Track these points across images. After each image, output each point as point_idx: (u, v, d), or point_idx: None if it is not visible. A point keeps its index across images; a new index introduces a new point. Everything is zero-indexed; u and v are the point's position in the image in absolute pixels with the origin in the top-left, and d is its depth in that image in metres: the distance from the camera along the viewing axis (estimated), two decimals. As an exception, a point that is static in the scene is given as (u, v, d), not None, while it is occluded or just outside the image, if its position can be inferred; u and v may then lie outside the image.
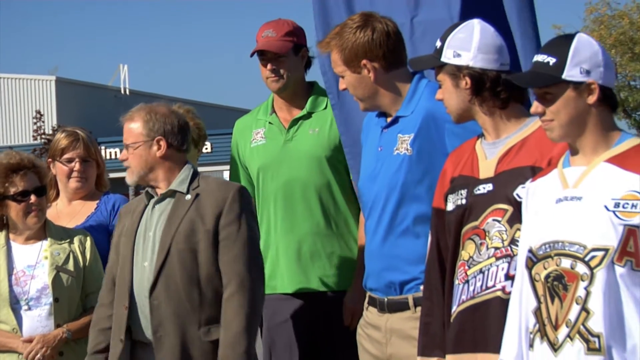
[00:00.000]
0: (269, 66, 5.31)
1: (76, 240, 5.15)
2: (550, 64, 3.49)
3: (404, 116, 4.45)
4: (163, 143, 4.73)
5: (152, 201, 4.78)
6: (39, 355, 4.92)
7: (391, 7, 4.87)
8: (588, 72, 3.47)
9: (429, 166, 4.30)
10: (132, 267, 4.70)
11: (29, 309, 5.03)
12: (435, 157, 4.28)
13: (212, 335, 4.59)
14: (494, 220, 3.80)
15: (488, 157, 3.92)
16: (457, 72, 3.91)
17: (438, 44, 3.97)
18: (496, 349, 3.68)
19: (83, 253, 5.14)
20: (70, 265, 5.07)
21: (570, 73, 3.47)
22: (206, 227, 4.61)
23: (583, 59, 3.47)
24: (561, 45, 3.51)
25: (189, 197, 4.68)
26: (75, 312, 5.06)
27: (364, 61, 4.43)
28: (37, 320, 5.02)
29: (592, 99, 3.48)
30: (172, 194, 4.73)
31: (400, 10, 4.88)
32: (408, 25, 4.85)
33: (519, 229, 3.71)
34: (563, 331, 3.42)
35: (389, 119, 4.51)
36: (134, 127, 4.75)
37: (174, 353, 4.59)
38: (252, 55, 5.37)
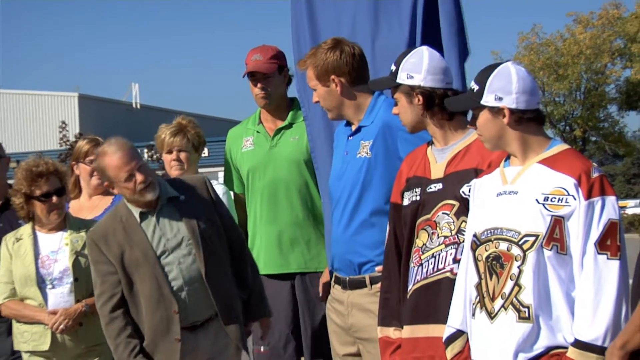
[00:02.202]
0: (258, 85, 5.30)
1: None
2: (475, 90, 3.52)
3: (365, 126, 4.44)
4: None
5: (151, 216, 4.49)
6: (62, 326, 4.89)
7: (355, 33, 4.88)
8: (501, 99, 3.47)
9: (385, 167, 4.30)
10: (164, 272, 4.42)
11: (53, 287, 4.99)
12: (390, 160, 4.28)
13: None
14: (443, 213, 3.80)
15: (438, 161, 3.91)
16: (410, 91, 3.90)
17: (393, 67, 3.96)
18: (446, 320, 3.69)
19: None
20: (87, 251, 5.04)
21: (486, 99, 3.48)
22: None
23: (497, 87, 3.47)
24: (485, 75, 3.52)
25: (182, 197, 4.55)
26: (92, 289, 5.03)
27: (333, 76, 4.43)
28: (60, 296, 4.98)
29: (505, 120, 3.49)
30: (170, 200, 4.53)
31: (363, 36, 4.87)
32: (370, 49, 4.82)
33: (464, 221, 3.71)
34: (498, 302, 3.43)
35: (354, 128, 4.50)
36: None
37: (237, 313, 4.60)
38: (244, 76, 5.36)
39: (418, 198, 3.87)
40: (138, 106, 43.62)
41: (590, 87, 48.33)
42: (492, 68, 3.53)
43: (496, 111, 3.48)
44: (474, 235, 3.55)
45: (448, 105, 3.75)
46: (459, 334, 3.63)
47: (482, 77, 3.51)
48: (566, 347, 3.36)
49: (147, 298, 4.45)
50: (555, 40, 47.69)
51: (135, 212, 4.50)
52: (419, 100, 3.89)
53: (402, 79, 3.91)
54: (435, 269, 3.79)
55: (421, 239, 3.84)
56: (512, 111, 3.46)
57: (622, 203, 42.00)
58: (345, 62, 4.44)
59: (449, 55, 4.68)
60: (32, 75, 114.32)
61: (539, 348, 3.38)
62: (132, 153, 4.43)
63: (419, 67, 3.89)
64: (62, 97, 42.73)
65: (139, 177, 4.38)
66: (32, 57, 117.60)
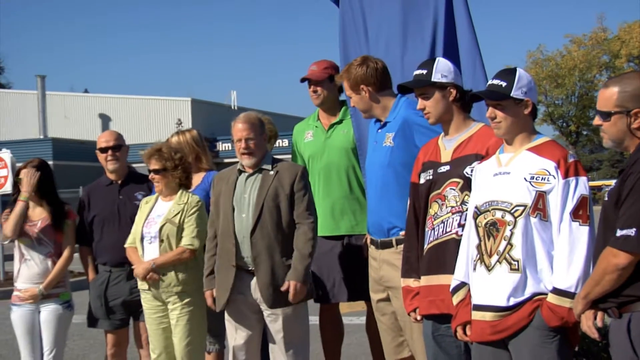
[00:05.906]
0: (311, 88, 5.33)
1: (190, 201, 5.06)
2: (503, 86, 3.45)
3: (389, 121, 4.39)
4: (265, 139, 4.75)
5: (245, 175, 4.69)
6: (140, 276, 4.95)
7: (388, 50, 4.85)
8: (526, 93, 3.44)
9: (404, 153, 4.24)
10: (233, 218, 4.63)
11: (150, 243, 4.96)
12: (408, 147, 4.23)
13: (289, 261, 4.56)
14: (450, 189, 3.74)
15: (447, 148, 3.86)
16: (445, 87, 3.83)
17: (424, 71, 3.86)
18: (452, 271, 3.64)
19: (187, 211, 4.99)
20: (177, 219, 4.94)
21: (516, 93, 3.43)
22: (285, 192, 4.58)
23: (523, 84, 3.43)
24: (509, 74, 3.47)
25: (272, 172, 4.65)
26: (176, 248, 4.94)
27: (362, 86, 4.40)
28: (152, 251, 4.94)
29: (527, 110, 3.46)
30: (260, 170, 4.68)
31: (394, 52, 4.84)
32: (399, 62, 4.80)
33: (467, 195, 3.66)
34: (494, 258, 3.39)
35: (381, 123, 4.46)
36: (249, 126, 4.63)
37: (268, 272, 4.56)
38: (301, 81, 5.38)
39: (431, 177, 3.83)
40: (236, 108, 43.82)
41: (582, 92, 48.15)
42: (511, 70, 3.48)
43: (522, 104, 3.43)
44: (476, 207, 3.50)
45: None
46: (462, 285, 3.57)
47: (507, 77, 3.45)
48: (547, 294, 3.31)
49: (220, 232, 4.67)
50: (555, 56, 47.52)
51: (238, 169, 4.72)
52: (452, 94, 3.83)
53: (437, 78, 3.83)
54: (444, 232, 3.73)
55: (433, 209, 3.79)
56: (533, 104, 3.45)
57: (607, 182, 41.19)
58: (371, 74, 4.40)
59: (469, 66, 4.59)
60: (156, 84, 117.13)
61: (526, 294, 3.34)
62: (249, 126, 4.63)
63: (449, 70, 3.85)
64: (179, 102, 43.19)
65: (243, 144, 4.62)
66: (155, 70, 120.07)
